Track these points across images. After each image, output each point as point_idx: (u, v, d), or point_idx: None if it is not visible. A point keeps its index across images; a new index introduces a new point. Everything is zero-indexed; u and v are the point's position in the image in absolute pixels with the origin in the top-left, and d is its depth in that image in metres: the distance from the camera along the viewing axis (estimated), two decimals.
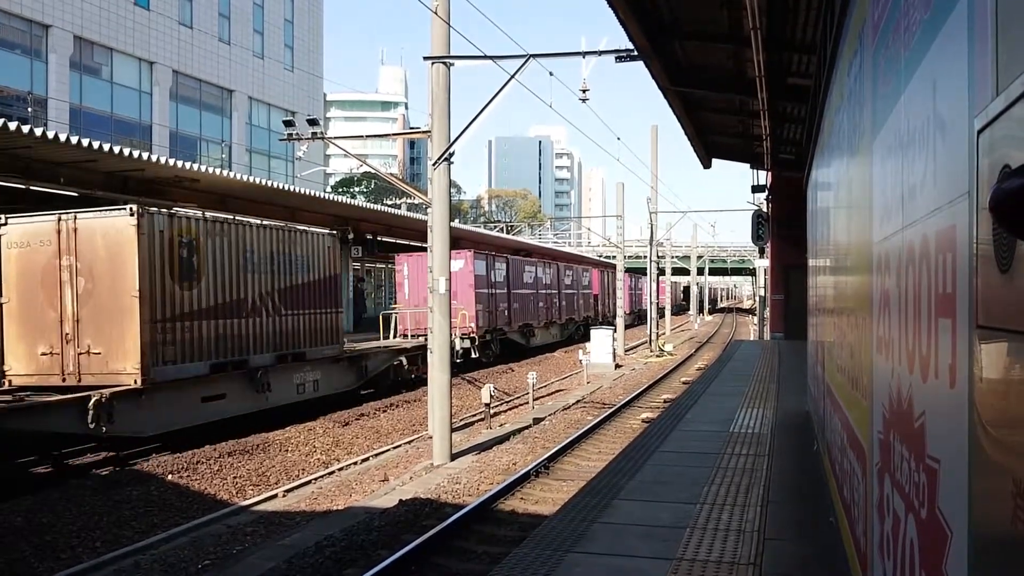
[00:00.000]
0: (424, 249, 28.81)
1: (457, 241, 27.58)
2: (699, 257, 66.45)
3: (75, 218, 13.54)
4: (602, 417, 16.65)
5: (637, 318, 61.18)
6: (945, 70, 1.82)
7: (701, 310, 74.84)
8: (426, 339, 20.99)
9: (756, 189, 28.93)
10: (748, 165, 27.11)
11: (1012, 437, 1.32)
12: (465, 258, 26.64)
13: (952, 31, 1.75)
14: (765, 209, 27.81)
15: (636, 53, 12.67)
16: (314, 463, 14.10)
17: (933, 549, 1.94)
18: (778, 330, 26.22)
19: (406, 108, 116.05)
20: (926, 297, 2.04)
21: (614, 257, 42.35)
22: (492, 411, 17.91)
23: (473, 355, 26.90)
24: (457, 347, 24.89)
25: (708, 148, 22.54)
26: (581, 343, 37.93)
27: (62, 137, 13.59)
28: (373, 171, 25.86)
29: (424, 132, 14.96)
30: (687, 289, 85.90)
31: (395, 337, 24.90)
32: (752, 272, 64.47)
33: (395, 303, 28.30)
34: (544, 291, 35.57)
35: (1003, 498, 1.34)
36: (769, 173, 25.69)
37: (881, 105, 2.97)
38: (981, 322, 1.50)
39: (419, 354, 22.34)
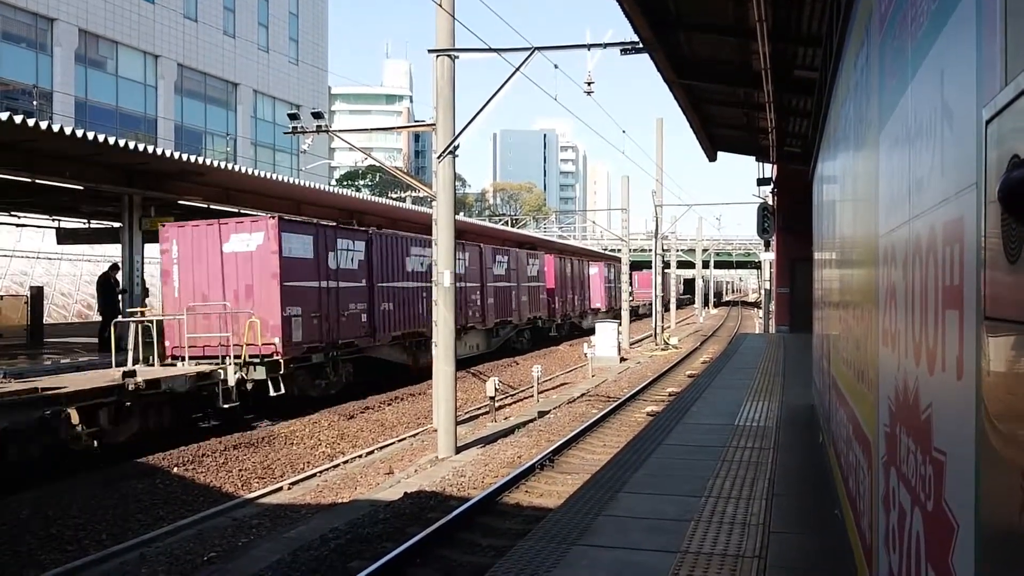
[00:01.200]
0: (210, 214, 18.81)
1: (462, 233, 27.29)
2: (704, 250, 66.36)
3: None
4: (607, 410, 16.66)
5: (616, 317, 51.31)
6: (953, 60, 1.81)
7: (706, 303, 74.76)
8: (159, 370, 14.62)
9: (762, 182, 28.85)
10: (754, 158, 27.06)
11: (1020, 430, 1.32)
12: (265, 230, 16.35)
13: (960, 21, 1.73)
14: (770, 202, 27.75)
15: (641, 46, 12.63)
16: (319, 456, 14.13)
17: (939, 542, 1.93)
18: (783, 323, 26.19)
19: (411, 101, 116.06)
20: (933, 289, 2.03)
21: (619, 250, 41.91)
22: (497, 404, 17.93)
23: (274, 391, 15.84)
24: (230, 380, 15.14)
25: (713, 141, 22.49)
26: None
27: (67, 131, 13.59)
28: (378, 164, 25.85)
29: (429, 125, 14.96)
30: (688, 282, 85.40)
31: (136, 362, 15.10)
32: (757, 265, 64.34)
33: (149, 305, 18.51)
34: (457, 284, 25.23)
35: (1011, 491, 1.33)
36: (775, 166, 25.63)
37: (888, 97, 2.96)
38: (989, 314, 1.49)
39: (112, 404, 12.79)
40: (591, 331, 40.25)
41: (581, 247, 56.63)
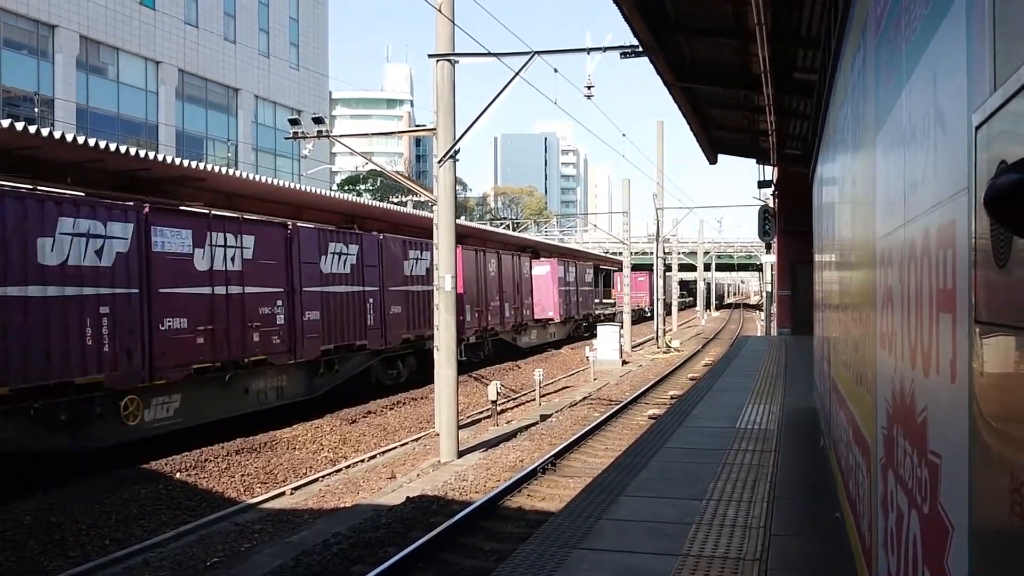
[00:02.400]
0: None
1: (463, 238, 27.23)
2: (706, 253, 66.38)
3: None
4: (609, 414, 16.67)
5: (577, 328, 41.34)
6: (944, 65, 1.83)
7: (708, 306, 74.75)
8: None
9: (762, 184, 28.87)
10: (754, 160, 27.09)
11: (1012, 432, 1.33)
12: None
13: (951, 26, 1.75)
14: (771, 204, 27.75)
15: (641, 49, 12.66)
16: (321, 461, 14.14)
17: (935, 544, 1.94)
18: (785, 326, 26.18)
19: (412, 106, 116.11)
20: (927, 293, 2.04)
21: (620, 253, 41.58)
22: (499, 408, 17.93)
23: None
24: None
25: (714, 144, 22.51)
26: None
27: (69, 137, 13.63)
28: (379, 169, 25.84)
29: (430, 130, 14.98)
30: (685, 283, 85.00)
31: None
32: (759, 267, 64.30)
33: None
34: (198, 289, 14.50)
35: (1003, 493, 1.34)
36: (775, 168, 25.63)
37: (883, 100, 2.97)
38: (980, 318, 1.50)
39: None
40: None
41: (537, 241, 45.52)
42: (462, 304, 24.52)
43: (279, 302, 16.64)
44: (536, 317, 34.42)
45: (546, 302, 35.56)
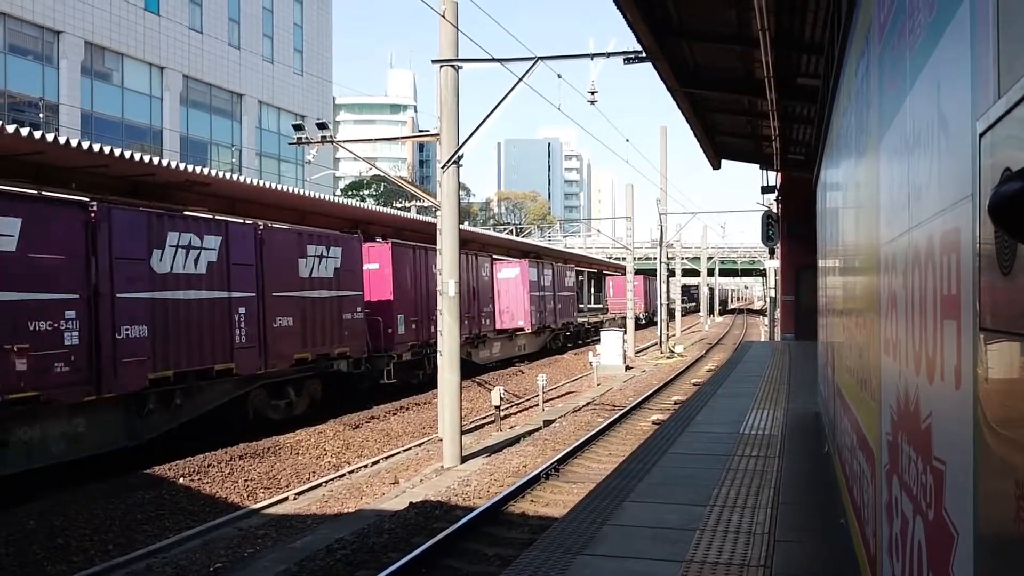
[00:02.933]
0: None
1: (466, 243, 27.20)
2: (709, 258, 66.35)
3: None
4: (612, 419, 16.64)
5: (555, 339, 36.24)
6: (948, 73, 1.83)
7: (711, 311, 74.69)
8: None
9: (766, 190, 28.87)
10: (758, 166, 27.07)
11: (1016, 438, 1.33)
12: None
13: (955, 34, 1.75)
14: (775, 210, 27.74)
15: (644, 55, 12.66)
16: (325, 466, 14.14)
17: (940, 551, 1.94)
18: (789, 331, 26.14)
19: (415, 111, 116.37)
20: (932, 299, 2.04)
21: (623, 258, 41.52)
22: (502, 413, 17.91)
23: None
24: None
25: (717, 149, 22.49)
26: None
27: (74, 143, 13.67)
28: (382, 174, 25.85)
29: (433, 135, 15.01)
30: (688, 288, 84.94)
31: None
32: (763, 273, 64.24)
33: None
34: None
35: (1008, 499, 1.34)
36: (779, 174, 25.63)
37: (887, 107, 2.98)
38: (984, 324, 1.50)
39: None
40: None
41: (515, 240, 41.32)
42: (393, 314, 21.13)
43: (69, 314, 11.73)
44: (501, 327, 29.92)
45: (515, 310, 30.97)
